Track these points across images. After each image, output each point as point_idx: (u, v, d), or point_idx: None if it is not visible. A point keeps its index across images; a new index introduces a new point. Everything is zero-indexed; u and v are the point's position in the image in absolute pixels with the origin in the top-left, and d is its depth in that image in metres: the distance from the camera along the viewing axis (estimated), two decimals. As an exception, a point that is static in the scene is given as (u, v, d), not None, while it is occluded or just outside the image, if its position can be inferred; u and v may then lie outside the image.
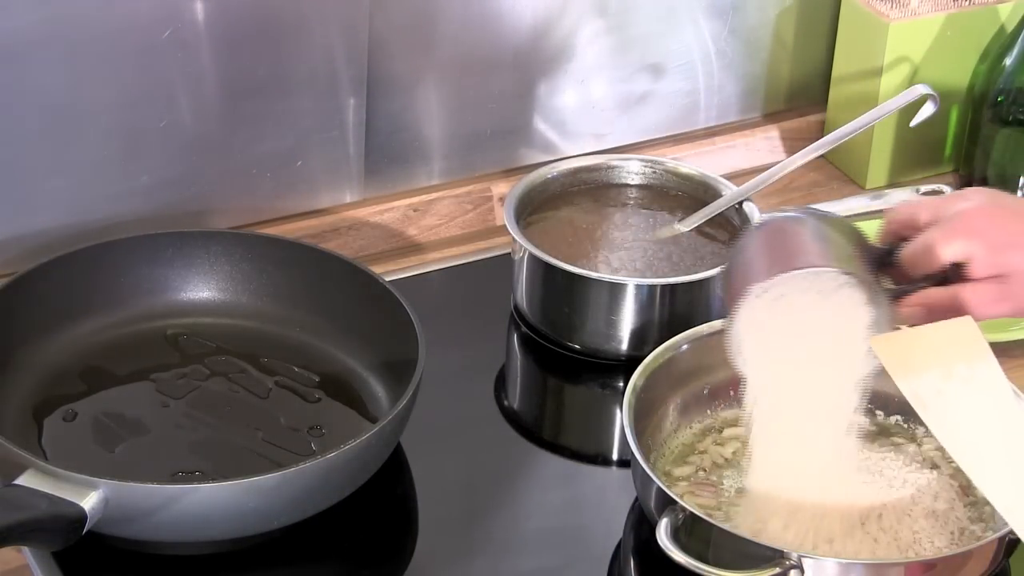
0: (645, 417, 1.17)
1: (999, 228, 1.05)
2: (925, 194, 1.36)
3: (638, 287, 1.29)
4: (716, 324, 1.22)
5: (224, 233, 1.33)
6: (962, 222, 1.05)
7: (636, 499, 1.16)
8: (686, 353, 1.20)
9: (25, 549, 1.12)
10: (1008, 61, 1.50)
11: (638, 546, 1.15)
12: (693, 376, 1.21)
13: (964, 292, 1.05)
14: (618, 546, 1.15)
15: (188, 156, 1.37)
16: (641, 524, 1.15)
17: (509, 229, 1.33)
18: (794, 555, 1.03)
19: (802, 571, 1.02)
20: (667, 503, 1.07)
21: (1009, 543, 1.07)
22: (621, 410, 1.14)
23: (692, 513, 1.05)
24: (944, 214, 1.06)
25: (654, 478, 1.08)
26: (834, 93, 1.62)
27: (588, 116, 1.54)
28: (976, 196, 1.08)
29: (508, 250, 1.36)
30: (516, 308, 1.37)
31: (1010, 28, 1.54)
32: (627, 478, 1.15)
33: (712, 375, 1.22)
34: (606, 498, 1.21)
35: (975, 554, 1.05)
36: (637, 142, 1.57)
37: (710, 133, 1.61)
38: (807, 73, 1.64)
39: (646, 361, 1.18)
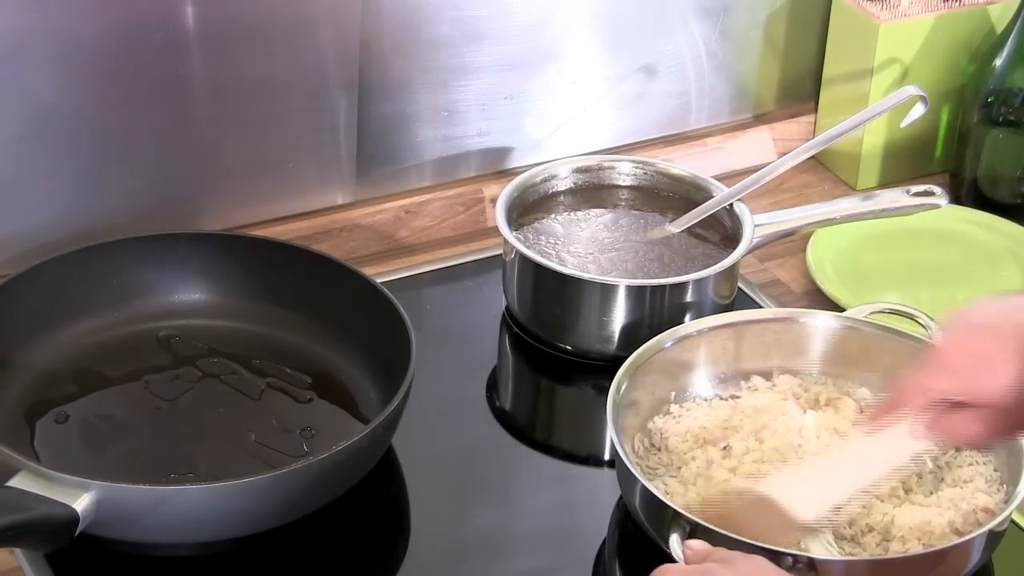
0: (631, 416, 1.17)
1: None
2: (916, 195, 1.35)
3: (629, 288, 1.29)
4: (699, 322, 1.23)
5: (216, 235, 1.34)
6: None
7: (620, 497, 1.16)
8: (671, 351, 1.21)
9: (17, 551, 1.12)
10: (998, 62, 1.51)
11: (621, 543, 1.15)
12: (679, 374, 1.22)
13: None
14: (603, 544, 1.15)
15: (179, 158, 1.37)
16: (625, 521, 1.15)
17: (501, 230, 1.33)
18: (803, 556, 1.02)
19: (807, 569, 1.02)
20: (652, 500, 1.07)
21: (990, 538, 1.07)
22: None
23: (699, 524, 1.04)
24: None
25: (638, 476, 1.08)
26: (825, 94, 1.62)
27: (579, 117, 1.54)
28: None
29: (500, 251, 1.37)
30: (508, 309, 1.37)
31: (1000, 29, 1.54)
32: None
33: (696, 372, 1.22)
34: (598, 498, 1.21)
35: (950, 553, 1.05)
36: (628, 143, 1.57)
37: (701, 134, 1.61)
38: (798, 74, 1.64)
39: (630, 360, 1.18)
